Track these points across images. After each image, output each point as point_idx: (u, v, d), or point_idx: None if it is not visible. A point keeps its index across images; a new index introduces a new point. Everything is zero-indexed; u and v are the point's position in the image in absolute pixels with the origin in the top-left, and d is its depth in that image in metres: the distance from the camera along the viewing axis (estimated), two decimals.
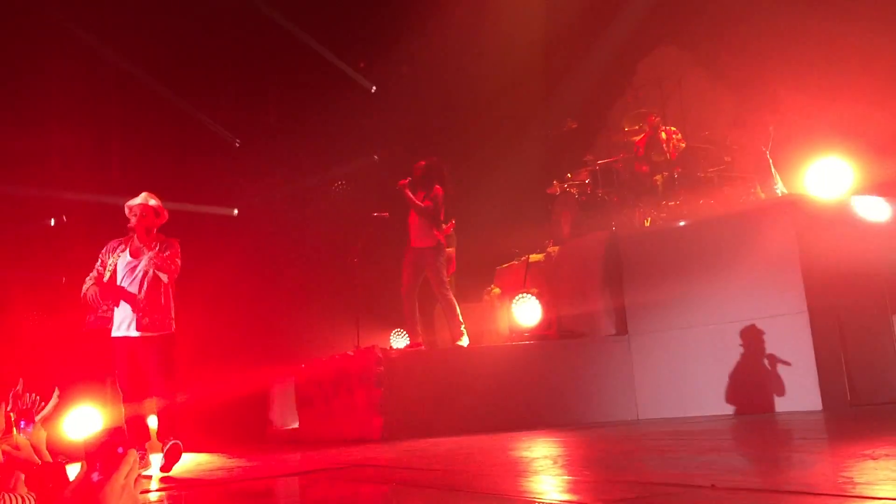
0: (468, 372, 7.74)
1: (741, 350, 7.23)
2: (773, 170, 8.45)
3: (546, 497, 3.10)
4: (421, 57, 12.33)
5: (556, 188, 10.40)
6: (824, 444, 4.64)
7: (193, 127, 12.08)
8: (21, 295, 9.99)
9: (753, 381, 7.11)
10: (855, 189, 7.45)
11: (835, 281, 6.99)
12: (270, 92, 13.05)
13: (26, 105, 10.87)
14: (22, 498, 2.38)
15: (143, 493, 4.44)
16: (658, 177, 9.65)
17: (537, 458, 4.64)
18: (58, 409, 5.04)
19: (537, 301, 8.67)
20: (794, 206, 7.19)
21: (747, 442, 4.97)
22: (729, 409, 7.22)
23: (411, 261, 8.21)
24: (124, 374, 5.64)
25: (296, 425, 9.66)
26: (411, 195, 8.13)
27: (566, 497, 3.09)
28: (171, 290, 5.78)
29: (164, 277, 5.69)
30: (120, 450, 1.74)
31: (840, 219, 7.27)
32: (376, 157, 12.49)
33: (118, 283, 5.67)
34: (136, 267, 5.69)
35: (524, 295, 8.78)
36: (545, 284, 9.32)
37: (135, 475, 1.74)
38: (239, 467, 5.87)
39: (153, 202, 5.82)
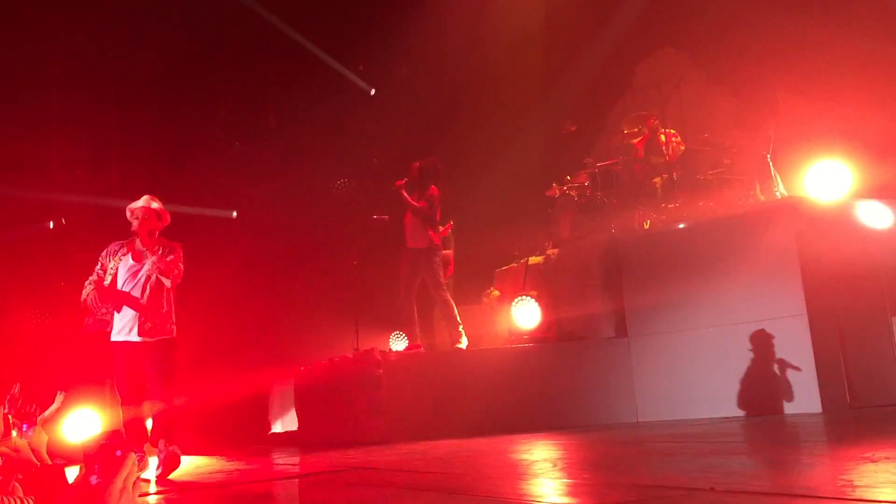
0: (468, 374, 7.73)
1: (741, 352, 7.23)
2: (773, 172, 8.46)
3: (546, 500, 3.10)
4: (420, 59, 12.33)
5: (555, 190, 10.39)
6: (824, 446, 4.64)
7: (192, 129, 12.08)
8: (20, 298, 9.99)
9: (753, 383, 7.11)
10: (854, 192, 7.46)
11: (834, 283, 6.99)
12: (270, 94, 13.05)
13: (26, 108, 10.86)
14: (21, 500, 2.38)
15: (141, 496, 4.43)
16: (657, 179, 9.65)
17: (537, 460, 4.64)
18: (60, 411, 5.04)
19: (536, 303, 8.67)
20: (793, 209, 7.20)
21: (747, 444, 4.97)
22: (729, 412, 7.22)
23: (407, 262, 8.22)
24: (123, 378, 5.55)
25: (295, 428, 9.66)
26: (407, 195, 8.14)
27: (566, 500, 3.09)
28: (172, 294, 5.69)
29: (166, 282, 5.59)
30: (119, 453, 1.74)
31: (839, 221, 7.28)
32: (375, 160, 12.49)
33: (119, 286, 5.56)
34: (138, 271, 5.59)
35: (523, 297, 8.78)
36: (544, 287, 9.32)
37: (133, 478, 1.74)
38: (238, 470, 5.86)
39: (155, 205, 5.72)
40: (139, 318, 5.52)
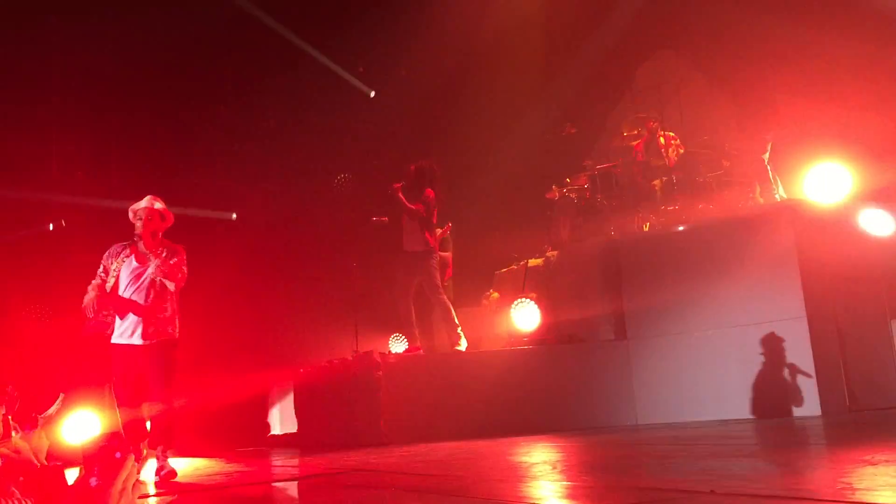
0: (467, 376, 7.73)
1: (740, 355, 7.23)
2: (771, 175, 8.46)
3: (545, 503, 3.10)
4: (420, 61, 12.33)
5: (555, 193, 10.40)
6: (823, 449, 4.64)
7: (192, 131, 12.08)
8: (20, 299, 9.98)
9: (752, 386, 7.11)
10: (854, 194, 7.46)
11: (834, 286, 6.99)
12: (270, 96, 13.05)
13: (26, 109, 10.86)
14: (19, 501, 2.38)
15: (140, 497, 4.43)
16: (657, 181, 9.65)
17: (536, 463, 4.64)
18: (59, 413, 5.03)
19: (536, 306, 8.66)
20: (792, 211, 7.20)
21: (746, 447, 4.97)
22: (728, 414, 7.21)
23: (404, 265, 8.24)
24: (122, 380, 5.45)
25: (294, 430, 9.65)
26: (403, 198, 8.15)
27: (565, 503, 3.09)
28: (176, 297, 5.59)
29: (170, 286, 5.48)
30: (118, 455, 1.74)
31: (839, 224, 7.28)
32: (375, 161, 12.49)
33: (122, 289, 5.46)
34: (141, 274, 5.47)
35: (523, 300, 8.78)
36: (544, 289, 9.32)
37: (133, 480, 1.74)
38: (238, 472, 5.86)
39: (158, 205, 5.60)
40: (143, 322, 5.42)
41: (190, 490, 4.84)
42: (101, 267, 5.55)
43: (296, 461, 6.58)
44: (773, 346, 6.96)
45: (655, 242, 8.40)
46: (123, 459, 1.74)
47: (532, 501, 3.15)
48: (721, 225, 7.78)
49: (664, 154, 9.87)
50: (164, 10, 11.12)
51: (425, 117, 12.46)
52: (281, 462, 6.75)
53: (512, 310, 8.81)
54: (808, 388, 6.72)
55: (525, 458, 5.00)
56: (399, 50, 12.27)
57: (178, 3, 11.22)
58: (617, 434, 6.72)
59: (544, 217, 10.50)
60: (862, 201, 7.45)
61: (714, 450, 4.78)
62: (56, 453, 6.36)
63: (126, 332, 5.46)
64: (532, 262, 10.04)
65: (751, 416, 7.06)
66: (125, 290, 5.46)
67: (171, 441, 5.49)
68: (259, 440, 10.02)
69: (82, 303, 5.42)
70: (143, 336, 5.40)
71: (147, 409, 5.48)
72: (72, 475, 2.30)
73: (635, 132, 10.46)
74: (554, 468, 4.26)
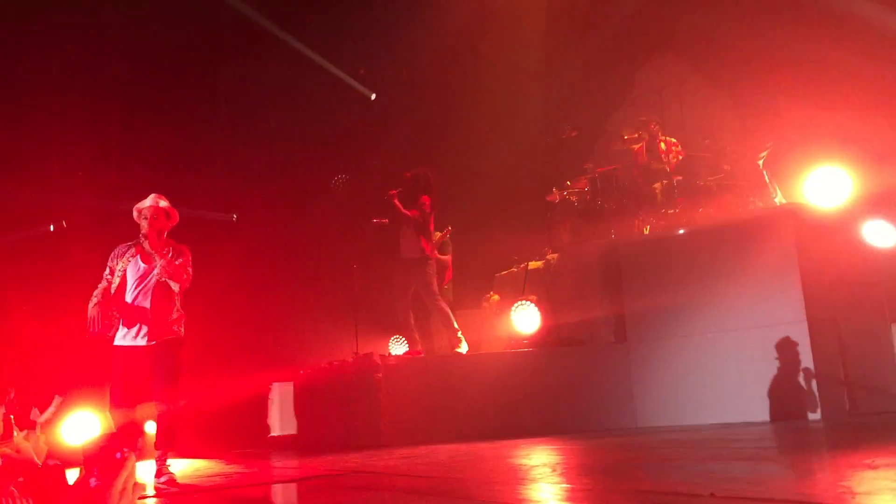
0: (467, 379, 7.73)
1: (740, 359, 7.23)
2: (768, 182, 8.46)
3: None
4: (421, 64, 12.35)
5: (555, 196, 10.40)
6: (824, 453, 4.64)
7: (193, 132, 12.08)
8: (20, 300, 9.97)
9: (752, 389, 7.10)
10: (854, 198, 7.46)
11: (834, 290, 6.99)
12: (270, 98, 13.06)
13: (26, 110, 10.87)
14: (20, 501, 2.38)
15: (140, 498, 4.43)
16: (657, 185, 9.65)
17: (536, 465, 4.63)
18: (57, 414, 5.02)
19: (536, 308, 8.67)
20: (793, 216, 7.20)
21: (746, 451, 4.96)
22: (728, 418, 7.21)
23: (401, 271, 8.29)
24: (122, 381, 5.34)
25: (294, 431, 9.65)
26: (399, 205, 8.19)
27: None
28: (180, 298, 5.52)
29: (175, 287, 5.43)
30: (118, 455, 1.74)
31: (839, 228, 7.28)
32: (375, 163, 12.49)
33: (129, 290, 5.39)
34: (147, 274, 5.41)
35: (523, 302, 8.78)
36: (544, 292, 9.32)
37: (133, 481, 1.74)
38: (237, 473, 5.86)
39: (163, 203, 5.53)
40: (149, 323, 5.36)
41: (189, 491, 4.83)
42: (107, 268, 5.47)
43: (295, 463, 6.57)
44: (773, 349, 6.96)
45: (656, 246, 8.41)
46: (123, 460, 1.74)
47: None
48: (721, 229, 7.78)
49: (665, 159, 9.87)
50: (166, 11, 11.14)
51: (426, 120, 12.47)
52: (281, 463, 6.75)
53: (512, 312, 8.81)
54: (809, 391, 6.72)
55: (525, 461, 5.00)
56: (400, 53, 12.29)
57: (179, 4, 11.23)
58: (617, 437, 6.72)
59: (545, 220, 10.51)
60: (864, 211, 7.43)
61: (714, 453, 4.78)
62: (55, 454, 6.35)
63: (130, 333, 5.39)
64: (532, 264, 10.05)
65: (750, 420, 7.05)
66: (131, 291, 5.41)
67: (173, 442, 5.47)
68: (259, 441, 10.02)
69: (87, 311, 5.35)
70: (149, 337, 5.34)
71: (151, 410, 5.45)
72: (72, 475, 2.31)
73: (636, 135, 10.47)
74: (554, 470, 4.26)
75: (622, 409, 8.03)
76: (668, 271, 7.96)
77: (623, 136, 10.68)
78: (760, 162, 8.42)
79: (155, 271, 5.40)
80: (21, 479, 2.41)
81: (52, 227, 10.56)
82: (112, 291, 5.39)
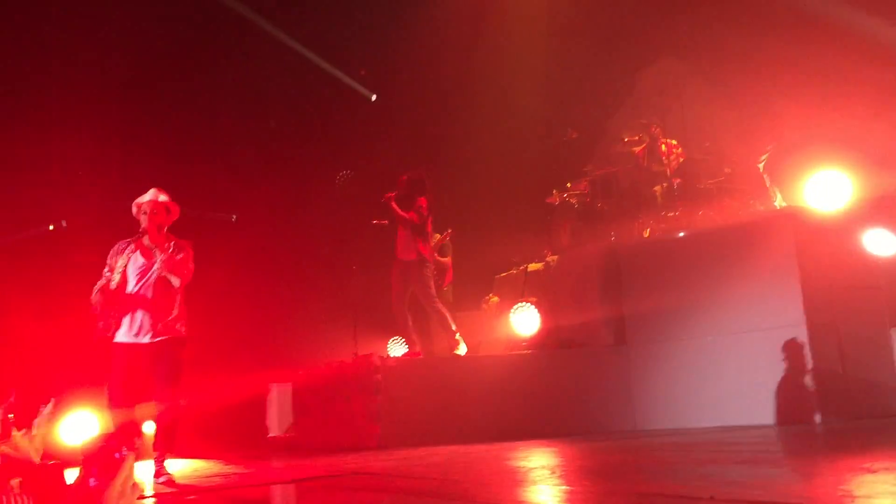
0: (466, 381, 7.73)
1: (739, 362, 7.22)
2: (769, 185, 8.46)
3: None
4: (421, 65, 12.35)
5: (555, 198, 10.41)
6: (823, 457, 4.64)
7: (194, 133, 12.09)
8: (20, 300, 9.97)
9: (751, 393, 7.10)
10: (854, 202, 7.45)
11: (834, 294, 6.99)
12: (271, 98, 13.07)
13: (27, 110, 10.87)
14: (19, 498, 2.38)
15: (139, 498, 4.42)
16: (658, 187, 9.66)
17: (535, 467, 4.63)
18: (52, 417, 5.00)
19: (536, 310, 8.67)
20: (793, 219, 7.20)
21: (745, 454, 4.96)
22: (727, 421, 7.20)
23: (398, 273, 8.32)
24: (121, 380, 5.28)
25: (293, 432, 9.64)
26: (396, 207, 8.21)
27: None
28: (181, 294, 5.46)
29: (175, 282, 5.37)
30: (117, 455, 1.74)
31: (839, 232, 7.28)
32: (377, 164, 12.49)
33: (130, 286, 5.33)
34: (148, 269, 5.35)
35: (522, 304, 8.78)
36: (544, 294, 9.32)
37: (132, 481, 1.74)
38: (236, 474, 5.85)
39: (163, 197, 5.48)
40: (150, 319, 5.32)
41: (188, 492, 4.83)
42: (107, 266, 5.42)
43: (294, 463, 6.56)
44: (772, 353, 6.95)
45: (656, 248, 8.41)
46: (122, 460, 1.74)
47: None
48: (721, 232, 7.78)
49: (665, 162, 9.88)
50: (166, 12, 11.15)
51: (426, 121, 12.47)
52: (279, 464, 6.74)
53: (511, 314, 8.81)
54: (808, 395, 6.72)
55: (524, 463, 4.99)
56: (401, 54, 12.30)
57: (180, 4, 11.25)
58: (616, 439, 6.72)
59: (545, 222, 10.51)
60: (864, 216, 7.42)
61: (713, 456, 4.77)
62: (53, 454, 6.34)
63: (133, 330, 5.34)
64: (532, 266, 10.05)
65: (750, 423, 7.05)
66: (132, 287, 5.35)
67: (172, 443, 5.45)
68: (257, 442, 10.01)
69: (91, 301, 5.29)
70: (152, 334, 5.29)
71: (150, 410, 5.42)
72: (71, 475, 2.30)
73: (636, 138, 10.48)
74: (553, 473, 4.26)
75: (622, 411, 8.03)
76: (668, 274, 7.96)
77: (624, 139, 10.69)
78: (761, 165, 8.43)
79: (155, 266, 5.34)
80: (20, 479, 2.41)
81: (51, 227, 10.56)
82: (112, 287, 5.32)
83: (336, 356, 9.25)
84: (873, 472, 3.23)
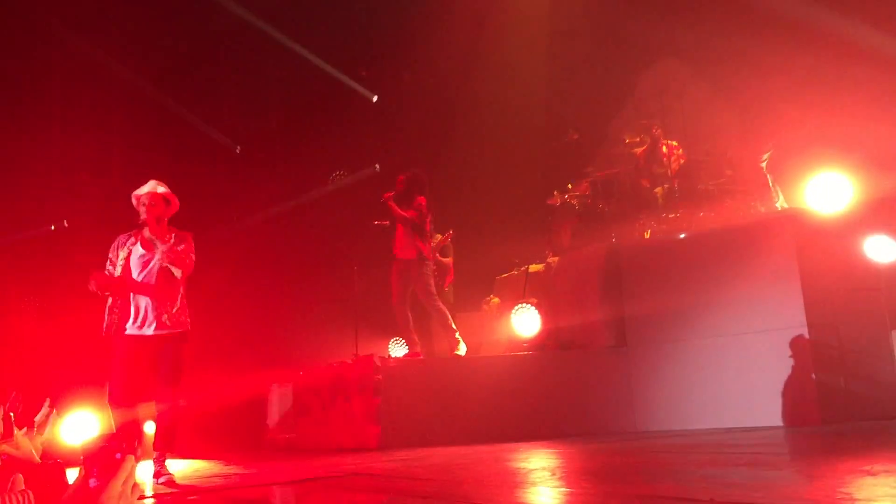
0: (466, 382, 7.72)
1: (740, 363, 7.22)
2: (771, 185, 8.46)
3: None
4: (423, 67, 12.36)
5: (556, 199, 10.41)
6: (823, 459, 4.63)
7: (195, 133, 12.10)
8: (21, 300, 9.98)
9: (752, 395, 7.10)
10: (855, 204, 7.45)
11: (834, 295, 6.99)
12: (272, 99, 13.08)
13: (28, 111, 10.89)
14: (21, 493, 2.38)
15: (139, 499, 4.42)
16: (658, 189, 9.66)
17: (535, 469, 4.63)
18: (49, 417, 5.00)
19: (536, 311, 8.67)
20: (794, 221, 7.20)
21: (745, 456, 4.95)
22: (727, 423, 7.20)
23: (398, 272, 8.32)
24: (123, 378, 5.25)
25: (293, 433, 9.63)
26: (395, 206, 8.23)
27: None
28: (183, 286, 5.44)
29: (176, 273, 5.34)
30: (118, 455, 1.73)
31: (840, 234, 7.27)
32: (377, 166, 12.51)
33: (134, 278, 5.30)
34: (149, 261, 5.33)
35: (523, 305, 8.78)
36: (544, 295, 9.32)
37: (132, 482, 1.74)
38: (236, 474, 5.85)
39: (161, 189, 5.45)
40: (156, 310, 5.29)
41: (188, 492, 4.83)
42: (108, 260, 5.43)
43: (294, 464, 6.56)
44: (773, 354, 6.95)
45: (656, 250, 8.41)
46: (123, 460, 1.74)
47: None
48: (722, 233, 7.78)
49: (666, 163, 9.87)
50: (167, 12, 11.15)
51: (427, 122, 12.48)
52: (279, 465, 6.74)
53: (512, 315, 8.81)
54: (808, 397, 6.72)
55: (524, 464, 4.99)
56: (402, 55, 12.30)
57: (180, 5, 11.25)
58: (616, 441, 6.71)
59: (546, 223, 10.51)
60: (865, 218, 7.41)
61: (714, 458, 4.77)
62: (53, 453, 6.34)
63: (138, 322, 5.31)
64: (533, 267, 10.05)
65: (750, 425, 7.05)
66: (136, 278, 5.33)
67: (172, 443, 5.45)
68: (258, 442, 10.01)
69: (88, 287, 5.27)
70: (158, 326, 5.27)
71: (151, 410, 5.41)
72: (72, 475, 2.30)
73: (637, 139, 10.47)
74: (553, 474, 4.25)
75: (622, 412, 8.02)
76: (669, 275, 7.96)
77: (625, 140, 10.68)
78: (764, 164, 8.43)
79: (156, 257, 5.33)
80: (22, 476, 2.41)
81: (52, 227, 10.58)
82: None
83: (336, 357, 9.26)
84: (874, 474, 3.23)
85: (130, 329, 5.33)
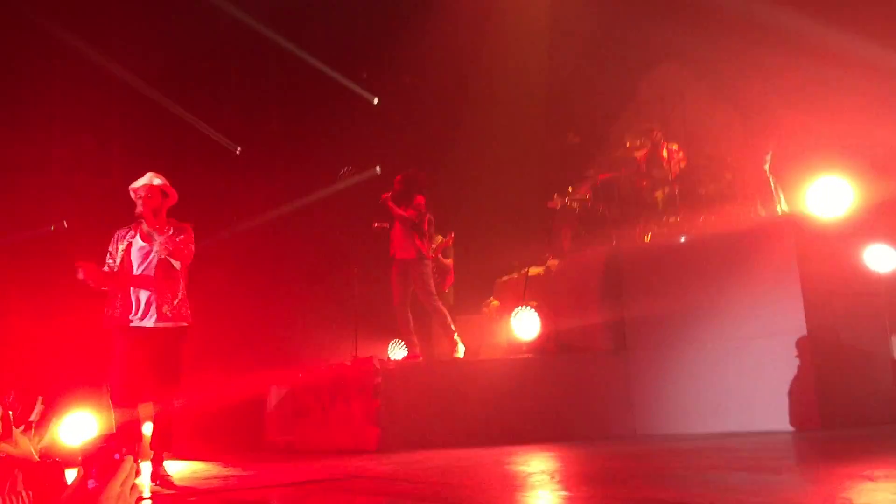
0: (466, 385, 7.72)
1: (740, 368, 7.22)
2: (773, 188, 8.46)
3: None
4: (423, 69, 12.37)
5: (556, 202, 10.41)
6: (823, 463, 4.63)
7: (194, 134, 12.10)
8: (21, 300, 9.97)
9: (751, 399, 7.09)
10: (855, 208, 7.45)
11: (834, 300, 6.99)
12: (272, 100, 13.08)
13: (28, 111, 10.88)
14: (20, 494, 2.37)
15: (138, 500, 4.41)
16: (659, 192, 9.66)
17: (534, 472, 4.62)
18: (45, 416, 4.99)
19: (536, 314, 8.66)
20: (794, 225, 7.20)
21: (745, 460, 4.95)
22: (727, 427, 7.19)
23: (397, 272, 8.32)
24: (123, 376, 5.20)
25: (292, 435, 9.62)
26: (394, 206, 8.24)
27: None
28: (185, 279, 5.41)
29: (176, 264, 5.31)
30: (116, 456, 1.73)
31: (840, 238, 7.27)
32: (378, 168, 12.51)
33: (133, 270, 5.29)
34: (149, 252, 5.30)
35: (523, 308, 8.77)
36: (544, 298, 9.31)
37: (131, 482, 1.73)
38: (234, 476, 5.84)
39: (158, 181, 5.44)
40: (157, 301, 5.26)
41: (186, 494, 4.82)
42: (108, 253, 5.42)
43: (292, 466, 6.55)
44: (773, 359, 6.95)
45: (657, 253, 8.40)
46: (122, 461, 1.74)
47: None
48: (722, 237, 7.78)
49: (666, 166, 9.87)
50: (167, 13, 11.16)
51: (428, 124, 12.48)
52: (278, 467, 6.73)
53: (512, 318, 8.80)
54: (808, 401, 6.71)
55: (523, 468, 4.98)
56: (403, 57, 12.31)
57: (181, 6, 11.26)
58: (615, 445, 6.71)
59: (546, 226, 10.51)
60: (865, 226, 7.41)
61: (713, 462, 4.77)
62: (53, 453, 6.33)
63: (139, 314, 5.28)
64: (533, 270, 10.04)
65: (750, 430, 7.04)
66: (136, 271, 5.33)
67: (170, 443, 5.44)
68: (256, 444, 10.00)
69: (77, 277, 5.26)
70: (159, 318, 5.25)
71: (148, 410, 5.40)
72: (71, 475, 2.30)
73: (638, 143, 10.48)
74: (552, 478, 4.25)
75: (621, 416, 8.02)
76: (669, 279, 7.96)
77: (625, 144, 10.69)
78: (766, 166, 8.42)
79: (154, 248, 5.30)
80: (21, 475, 2.41)
81: (52, 228, 10.57)
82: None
83: (336, 358, 9.25)
84: (873, 479, 3.23)
85: (131, 320, 5.29)
